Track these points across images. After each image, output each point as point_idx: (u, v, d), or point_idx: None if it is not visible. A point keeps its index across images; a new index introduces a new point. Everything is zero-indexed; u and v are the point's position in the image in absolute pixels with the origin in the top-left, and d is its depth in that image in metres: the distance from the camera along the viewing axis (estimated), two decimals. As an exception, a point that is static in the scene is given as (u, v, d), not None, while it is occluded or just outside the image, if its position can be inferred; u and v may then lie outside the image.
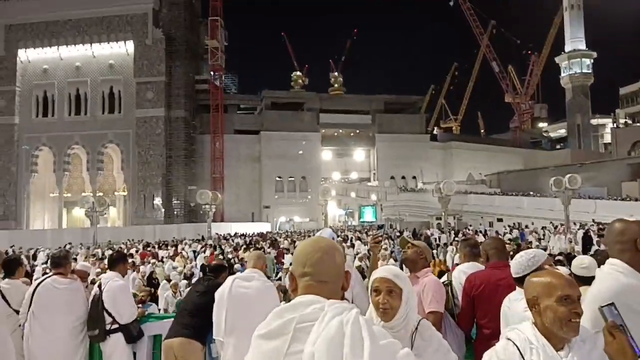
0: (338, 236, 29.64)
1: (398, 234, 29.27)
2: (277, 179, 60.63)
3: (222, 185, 56.02)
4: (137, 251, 21.62)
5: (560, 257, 8.31)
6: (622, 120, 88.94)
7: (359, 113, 67.15)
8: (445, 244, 20.14)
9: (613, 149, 65.45)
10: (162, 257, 18.96)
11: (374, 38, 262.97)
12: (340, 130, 67.57)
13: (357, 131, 68.06)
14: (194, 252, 21.16)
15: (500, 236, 21.99)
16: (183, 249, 22.77)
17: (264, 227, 49.46)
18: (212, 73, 60.65)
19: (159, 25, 55.85)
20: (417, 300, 3.48)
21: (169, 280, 12.11)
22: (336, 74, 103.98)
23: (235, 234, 37.68)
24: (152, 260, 16.30)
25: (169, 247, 24.26)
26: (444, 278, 4.52)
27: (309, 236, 25.25)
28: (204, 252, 19.84)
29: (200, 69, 62.51)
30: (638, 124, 78.69)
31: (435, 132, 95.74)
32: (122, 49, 55.92)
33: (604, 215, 30.73)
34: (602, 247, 16.77)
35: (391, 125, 65.94)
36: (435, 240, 25.73)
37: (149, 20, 55.83)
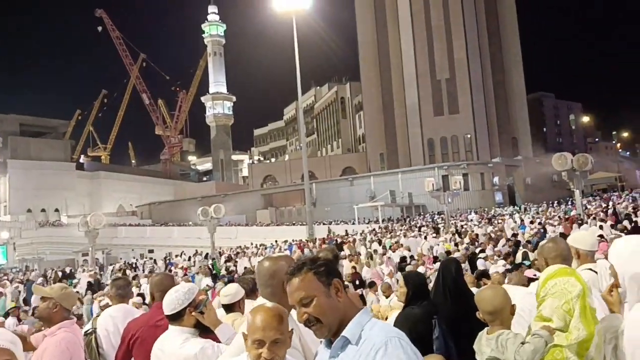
0: None
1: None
2: None
3: None
4: None
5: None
6: (256, 157, 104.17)
7: (-16, 134, 55.94)
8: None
9: (250, 181, 75.33)
10: None
11: (6, 49, 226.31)
12: (-45, 154, 54.51)
13: (-19, 156, 56.36)
14: None
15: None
16: None
17: None
18: None
19: None
20: None
21: None
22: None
23: None
24: None
25: None
26: (89, 326, 4.04)
27: None
28: None
29: None
30: (268, 161, 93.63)
31: (82, 160, 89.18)
32: None
33: (244, 239, 34.78)
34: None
35: (28, 151, 57.55)
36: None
37: None
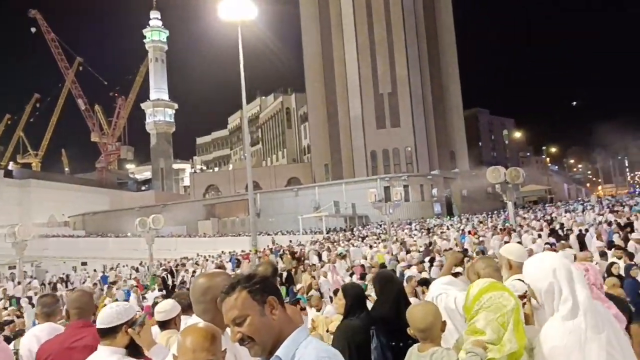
0: None
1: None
2: None
3: None
4: None
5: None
6: (198, 166, 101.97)
7: None
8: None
9: (191, 191, 73.55)
10: None
11: None
12: None
13: None
14: None
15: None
16: None
17: None
18: None
19: None
20: None
21: None
22: None
23: None
24: None
25: None
26: (10, 347, 3.77)
27: None
28: None
29: None
30: (211, 170, 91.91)
31: (10, 167, 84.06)
32: None
33: (184, 251, 33.84)
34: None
35: (-53, 157, 53.39)
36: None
37: None
